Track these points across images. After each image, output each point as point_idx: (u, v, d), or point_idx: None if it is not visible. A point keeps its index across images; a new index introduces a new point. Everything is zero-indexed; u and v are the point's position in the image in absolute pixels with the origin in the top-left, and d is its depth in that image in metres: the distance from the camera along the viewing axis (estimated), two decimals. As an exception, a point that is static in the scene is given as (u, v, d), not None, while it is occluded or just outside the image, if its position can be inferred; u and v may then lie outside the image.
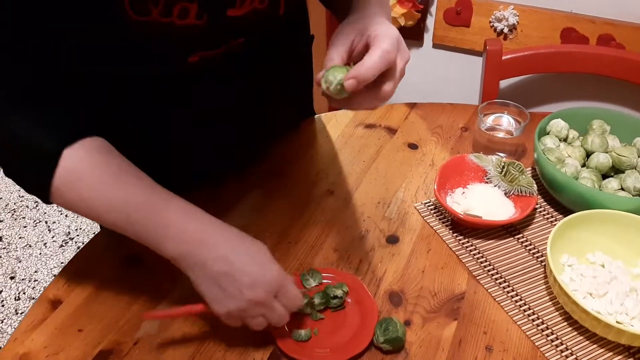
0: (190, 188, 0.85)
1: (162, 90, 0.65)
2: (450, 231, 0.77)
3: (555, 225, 0.70)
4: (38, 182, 0.55)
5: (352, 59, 0.57)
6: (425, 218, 0.79)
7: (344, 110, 1.04)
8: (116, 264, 0.72)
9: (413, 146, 0.95)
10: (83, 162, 0.55)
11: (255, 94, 0.76)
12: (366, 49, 0.54)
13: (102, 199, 0.55)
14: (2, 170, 0.57)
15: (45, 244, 1.86)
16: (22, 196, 2.07)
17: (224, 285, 0.55)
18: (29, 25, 0.53)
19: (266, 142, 0.91)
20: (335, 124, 1.00)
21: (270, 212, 0.80)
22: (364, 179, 0.87)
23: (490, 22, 1.23)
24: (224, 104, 0.72)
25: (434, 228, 0.77)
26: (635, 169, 0.80)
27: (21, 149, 0.54)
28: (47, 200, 0.56)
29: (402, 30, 1.29)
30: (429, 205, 0.81)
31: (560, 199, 0.80)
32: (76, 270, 0.71)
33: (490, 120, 0.91)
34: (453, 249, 0.74)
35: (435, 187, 0.78)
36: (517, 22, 1.20)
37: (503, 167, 0.83)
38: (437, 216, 0.79)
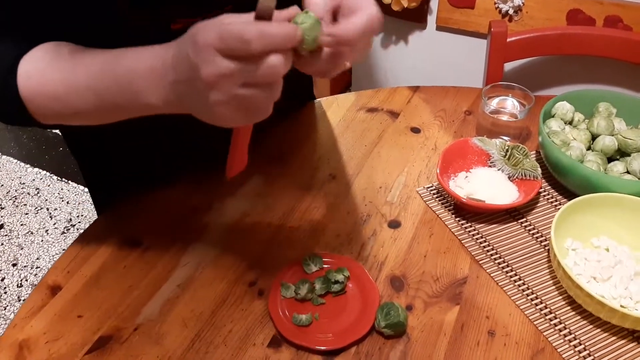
0: (188, 171, 0.84)
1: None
2: (453, 215, 0.76)
3: (559, 209, 0.69)
4: (9, 104, 0.55)
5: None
6: (427, 202, 0.78)
7: (345, 95, 1.03)
8: (115, 249, 0.72)
9: (416, 130, 0.94)
10: (38, 62, 0.55)
11: None
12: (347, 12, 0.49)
13: (66, 85, 0.53)
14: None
15: (47, 230, 1.86)
16: (24, 183, 2.07)
17: (194, 89, 0.45)
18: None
19: (266, 125, 0.89)
20: (337, 109, 0.99)
21: (271, 197, 0.79)
22: (365, 163, 0.86)
23: (495, 3, 1.20)
24: None
25: (437, 212, 0.76)
26: (642, 152, 0.79)
27: None
28: (28, 117, 0.55)
29: (405, 12, 1.27)
30: (431, 190, 0.80)
31: (565, 183, 0.79)
32: (76, 256, 0.71)
33: (494, 103, 0.89)
34: (455, 234, 0.73)
35: (438, 171, 0.77)
36: (522, 3, 1.18)
37: (507, 150, 0.81)
38: (439, 200, 0.78)
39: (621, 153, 0.81)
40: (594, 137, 0.82)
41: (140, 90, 0.49)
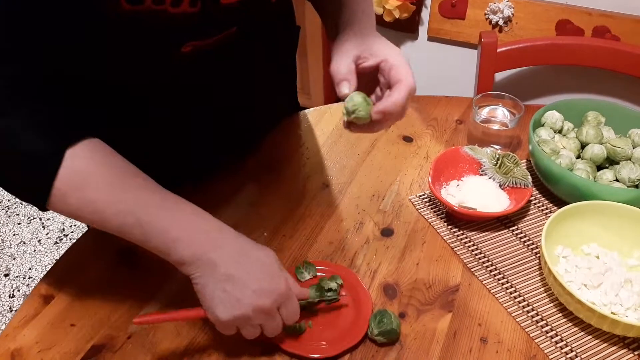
0: (183, 181, 0.85)
1: (154, 82, 0.64)
2: (445, 223, 0.77)
3: (549, 216, 0.70)
4: (37, 185, 0.52)
5: (358, 73, 0.63)
6: (419, 211, 0.79)
7: (338, 104, 1.04)
8: (108, 258, 0.72)
9: (408, 139, 0.95)
10: (88, 162, 0.53)
11: (246, 84, 0.75)
12: (377, 71, 0.63)
13: (110, 200, 0.53)
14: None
15: (39, 240, 1.85)
16: (16, 193, 2.06)
17: (231, 290, 0.54)
18: (20, 22, 0.51)
19: (256, 134, 0.90)
20: (330, 117, 0.99)
21: (264, 206, 0.80)
22: (358, 171, 0.87)
23: (485, 14, 1.22)
24: (214, 94, 0.71)
25: (429, 220, 0.77)
26: (630, 160, 0.80)
27: (14, 152, 0.51)
28: (43, 206, 0.53)
29: (397, 22, 1.28)
30: (423, 198, 0.81)
31: (555, 191, 0.80)
32: (68, 265, 0.71)
33: (485, 112, 0.90)
34: (448, 242, 0.74)
35: (430, 180, 0.78)
36: (512, 14, 1.20)
37: (497, 159, 0.82)
38: (431, 209, 0.79)
39: (610, 161, 0.82)
40: (583, 146, 0.83)
41: (178, 250, 0.54)
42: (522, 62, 1.15)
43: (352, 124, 0.62)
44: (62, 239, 1.86)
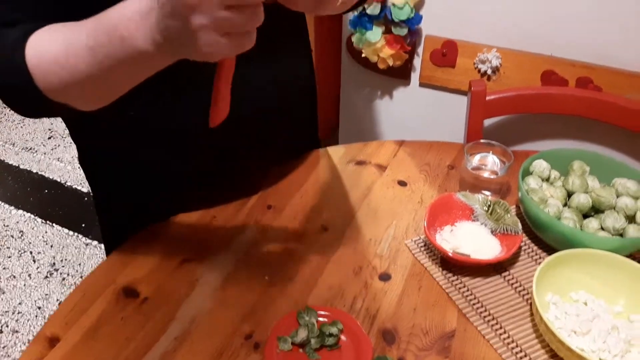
0: (187, 209, 0.88)
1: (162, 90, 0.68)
2: (440, 268, 0.80)
3: (539, 263, 0.73)
4: (17, 72, 0.57)
5: None
6: (415, 255, 0.82)
7: (335, 147, 1.08)
8: (113, 299, 0.73)
9: (402, 183, 0.98)
10: (43, 31, 0.58)
11: (258, 105, 0.79)
12: None
13: (65, 44, 0.56)
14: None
15: (29, 275, 1.84)
16: (7, 226, 2.06)
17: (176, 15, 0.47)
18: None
19: (269, 162, 0.94)
20: (328, 160, 1.03)
21: (265, 249, 0.82)
22: (356, 215, 0.90)
23: (474, 63, 1.28)
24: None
25: (425, 265, 0.80)
26: (614, 209, 0.84)
27: None
28: (37, 93, 0.58)
29: (390, 69, 1.34)
30: (419, 243, 0.84)
31: (543, 238, 0.84)
32: (74, 307, 0.72)
33: (476, 160, 0.95)
34: (443, 287, 0.77)
35: (425, 226, 0.81)
36: (499, 64, 1.26)
37: (489, 206, 0.86)
38: (427, 253, 0.82)
39: (595, 209, 0.86)
40: (569, 194, 0.88)
41: (128, 35, 0.51)
42: (510, 110, 1.20)
43: None
44: (52, 274, 1.85)
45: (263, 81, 0.79)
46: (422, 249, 0.83)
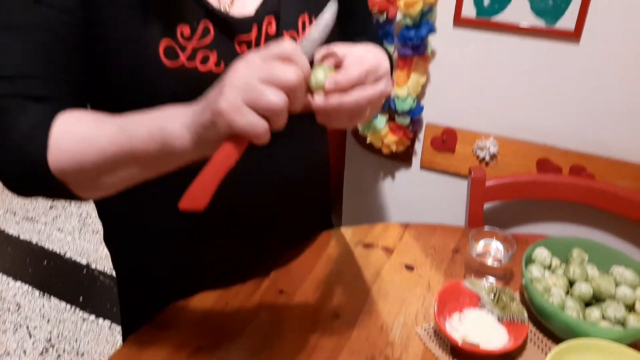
0: (201, 288, 0.90)
1: None
2: (450, 356, 0.82)
3: (545, 352, 0.75)
4: (36, 141, 0.58)
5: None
6: (426, 344, 0.84)
7: (342, 229, 1.12)
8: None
9: (409, 267, 1.01)
10: (74, 113, 0.61)
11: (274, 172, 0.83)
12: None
13: (99, 129, 0.58)
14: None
15: (24, 351, 1.81)
16: (4, 298, 2.04)
17: (217, 85, 0.53)
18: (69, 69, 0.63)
19: (281, 245, 0.97)
20: (336, 243, 1.07)
21: (277, 338, 0.84)
22: (366, 301, 0.92)
23: (473, 150, 1.36)
24: (242, 176, 0.77)
25: (435, 355, 0.82)
26: (614, 298, 0.88)
27: (17, 130, 0.58)
28: (46, 167, 0.58)
29: (393, 155, 1.41)
30: (428, 330, 0.86)
31: (548, 325, 0.86)
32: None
33: (480, 246, 0.99)
34: (454, 376, 0.78)
35: (435, 312, 0.83)
36: (497, 151, 1.33)
37: (495, 293, 0.89)
38: (437, 341, 0.84)
39: (596, 298, 0.90)
40: (571, 282, 0.91)
41: (165, 122, 0.54)
42: (509, 195, 1.26)
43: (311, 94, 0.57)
44: (47, 350, 1.82)
45: (286, 157, 0.83)
46: (433, 336, 0.85)
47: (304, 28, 0.75)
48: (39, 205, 2.62)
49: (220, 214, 0.78)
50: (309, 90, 0.56)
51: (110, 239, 0.94)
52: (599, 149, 1.27)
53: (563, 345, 0.77)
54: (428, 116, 1.37)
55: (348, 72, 0.56)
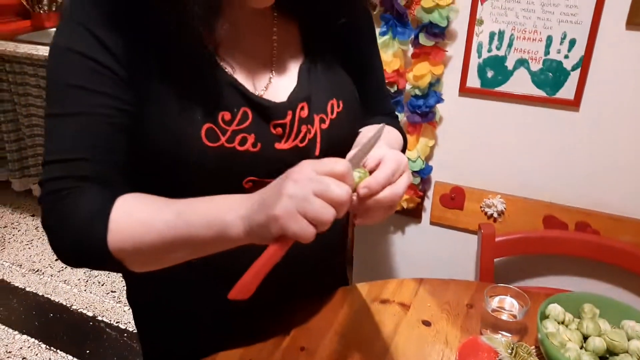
0: (221, 348, 0.92)
1: None
2: (472, 412, 0.83)
3: (567, 409, 0.78)
4: (95, 224, 0.63)
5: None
6: (448, 399, 0.86)
7: (359, 286, 1.15)
8: None
9: (427, 323, 1.04)
10: (133, 197, 0.65)
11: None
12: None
13: (157, 213, 0.63)
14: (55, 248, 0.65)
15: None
16: (10, 352, 2.02)
17: (274, 187, 0.59)
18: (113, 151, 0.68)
19: (299, 301, 1.00)
20: (353, 299, 1.09)
21: (304, 391, 0.85)
22: (386, 356, 0.95)
23: (481, 207, 1.41)
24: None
25: (458, 410, 0.84)
26: (627, 352, 0.91)
27: (78, 212, 0.63)
28: (105, 248, 0.62)
29: (404, 211, 1.46)
30: (450, 385, 0.89)
31: (565, 380, 0.89)
32: None
33: (495, 302, 1.02)
34: None
35: (457, 369, 0.86)
36: (504, 208, 1.39)
37: (513, 348, 0.92)
38: (458, 397, 0.86)
39: (609, 352, 0.93)
40: (584, 337, 0.95)
41: (222, 213, 0.61)
42: (517, 251, 1.31)
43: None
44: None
45: None
46: (454, 391, 0.87)
47: (332, 111, 0.82)
48: (45, 257, 2.63)
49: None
50: None
51: (132, 298, 0.97)
52: (601, 206, 1.33)
53: (582, 401, 0.80)
54: (437, 175, 1.44)
55: (379, 175, 0.63)
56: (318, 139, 0.80)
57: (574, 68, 1.25)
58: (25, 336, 2.10)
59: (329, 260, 1.02)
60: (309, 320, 1.01)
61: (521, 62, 1.28)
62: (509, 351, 0.92)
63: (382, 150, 0.67)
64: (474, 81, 1.31)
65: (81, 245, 0.65)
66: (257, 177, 0.75)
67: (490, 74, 1.29)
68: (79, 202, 0.65)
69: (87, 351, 2.03)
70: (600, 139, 1.29)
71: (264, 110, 0.75)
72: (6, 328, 2.15)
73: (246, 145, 0.73)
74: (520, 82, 1.28)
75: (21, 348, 2.04)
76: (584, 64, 1.23)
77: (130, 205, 0.66)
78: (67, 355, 2.01)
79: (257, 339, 0.95)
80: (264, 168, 0.75)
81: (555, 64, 1.26)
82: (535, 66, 1.27)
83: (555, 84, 1.25)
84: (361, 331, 1.01)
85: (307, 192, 0.56)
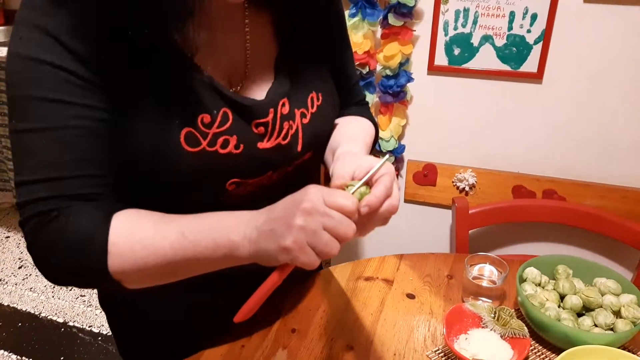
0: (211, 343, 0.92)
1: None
2: (463, 375, 0.87)
3: (551, 363, 0.82)
4: (94, 249, 0.60)
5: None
6: (439, 365, 0.89)
7: (342, 265, 1.17)
8: None
9: (411, 296, 1.07)
10: (130, 215, 0.63)
11: None
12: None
13: (159, 233, 0.61)
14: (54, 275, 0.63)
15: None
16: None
17: (284, 215, 0.60)
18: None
19: (278, 290, 1.00)
20: (338, 278, 1.11)
21: (300, 371, 0.87)
22: (376, 330, 0.97)
23: (453, 182, 1.45)
24: None
25: (449, 374, 0.87)
26: (602, 306, 0.96)
27: (73, 234, 0.61)
28: (105, 271, 0.61)
29: (379, 190, 1.49)
30: (439, 353, 0.92)
31: (545, 337, 0.94)
32: None
33: (475, 270, 1.06)
34: (470, 393, 0.83)
35: (445, 337, 0.89)
36: (475, 181, 1.43)
37: (495, 312, 0.96)
38: (448, 362, 0.90)
39: (586, 308, 0.98)
40: (561, 296, 0.99)
41: (232, 234, 0.61)
42: (490, 221, 1.35)
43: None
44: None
45: None
46: (443, 359, 0.91)
47: (312, 105, 0.81)
48: (7, 265, 2.54)
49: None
50: None
51: (104, 302, 0.94)
52: (566, 173, 1.39)
53: (565, 355, 0.84)
54: (409, 154, 1.47)
55: (379, 193, 0.64)
56: (300, 135, 0.79)
57: (536, 42, 1.30)
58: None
59: None
60: (298, 303, 1.03)
61: (486, 39, 1.32)
62: (492, 315, 0.96)
63: (370, 159, 0.69)
64: (441, 59, 1.34)
65: (79, 269, 0.62)
66: (240, 179, 0.74)
67: (457, 51, 1.33)
68: (72, 224, 0.61)
69: (62, 358, 1.98)
70: (563, 109, 1.35)
71: (245, 110, 0.73)
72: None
73: (228, 147, 0.71)
74: (486, 58, 1.32)
75: (-5, 361, 1.98)
76: (546, 37, 1.28)
77: (129, 226, 0.63)
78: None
79: (248, 325, 0.96)
80: (247, 169, 0.75)
81: (518, 39, 1.30)
82: (500, 42, 1.31)
83: (519, 58, 1.29)
84: (349, 309, 1.03)
85: (318, 227, 0.58)
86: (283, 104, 0.77)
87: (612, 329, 0.92)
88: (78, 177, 0.63)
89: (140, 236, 0.62)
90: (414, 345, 0.94)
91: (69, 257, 0.61)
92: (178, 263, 0.62)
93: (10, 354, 2.01)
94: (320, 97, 0.82)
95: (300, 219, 0.58)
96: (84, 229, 0.61)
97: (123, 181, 0.69)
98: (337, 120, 0.91)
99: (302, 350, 0.92)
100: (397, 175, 1.51)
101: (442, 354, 0.92)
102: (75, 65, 0.61)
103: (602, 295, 0.98)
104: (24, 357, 1.99)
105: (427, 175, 1.44)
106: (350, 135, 0.86)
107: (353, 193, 0.64)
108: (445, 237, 1.42)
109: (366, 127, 0.93)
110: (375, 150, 1.42)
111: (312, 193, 0.60)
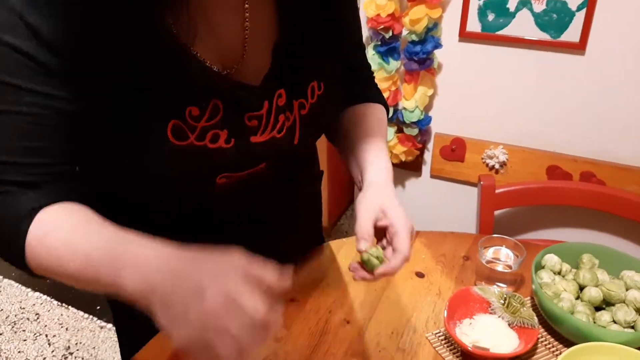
0: None
1: (189, 207, 0.73)
2: (461, 362, 0.83)
3: (556, 355, 0.76)
4: (14, 239, 0.59)
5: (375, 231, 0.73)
6: (436, 349, 0.85)
7: (352, 238, 1.13)
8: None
9: (420, 275, 1.03)
10: (54, 215, 0.60)
11: (272, 215, 0.85)
12: (386, 231, 0.73)
13: (68, 248, 0.57)
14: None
15: (44, 358, 1.85)
16: (24, 308, 2.08)
17: (174, 304, 0.49)
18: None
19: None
20: (346, 252, 1.08)
21: (290, 343, 0.86)
22: (377, 307, 0.94)
23: (482, 158, 1.37)
24: (242, 223, 0.80)
25: (446, 359, 0.83)
26: (624, 302, 0.88)
27: (8, 217, 0.59)
28: (23, 261, 0.59)
29: (403, 164, 1.43)
30: (439, 336, 0.88)
31: (559, 330, 0.87)
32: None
33: (490, 253, 1.00)
34: (465, 381, 0.79)
35: (445, 320, 0.85)
36: (506, 159, 1.35)
37: (505, 299, 0.90)
38: (447, 346, 0.86)
39: (606, 302, 0.90)
40: (581, 287, 0.92)
41: (125, 278, 0.53)
42: (519, 202, 1.27)
43: (357, 271, 0.73)
44: (67, 357, 1.85)
45: (281, 198, 0.86)
46: (443, 342, 0.86)
47: (312, 95, 0.75)
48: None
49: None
50: (365, 268, 0.72)
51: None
52: (607, 155, 1.28)
53: (573, 349, 0.78)
54: (437, 126, 1.39)
55: (397, 263, 0.70)
56: (297, 127, 0.74)
57: (579, 8, 1.17)
58: (38, 293, 2.16)
59: (308, 224, 1.01)
60: (300, 275, 1.01)
61: (523, 3, 1.21)
62: (502, 301, 0.90)
63: (394, 211, 0.72)
64: (474, 25, 1.24)
65: (5, 256, 0.62)
66: (231, 173, 0.71)
67: (491, 17, 1.22)
68: (2, 210, 0.60)
69: (98, 307, 2.08)
70: (607, 85, 1.23)
71: (237, 102, 0.68)
72: (20, 285, 2.21)
73: (218, 142, 0.67)
74: (523, 25, 1.21)
75: (34, 304, 2.10)
76: (590, 3, 1.15)
77: (46, 226, 0.59)
78: (78, 311, 2.07)
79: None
80: (238, 163, 0.71)
81: (559, 4, 1.18)
82: (539, 7, 1.19)
83: (560, 26, 1.18)
84: (352, 283, 1.00)
85: (219, 331, 0.48)
86: (279, 95, 0.72)
87: (632, 327, 0.85)
88: (23, 164, 0.61)
89: (52, 245, 0.59)
90: (415, 325, 0.90)
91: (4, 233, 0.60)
92: (83, 282, 0.58)
93: (52, 299, 2.13)
94: (322, 86, 0.76)
95: (200, 315, 0.48)
96: (11, 217, 0.60)
97: (107, 176, 0.67)
98: (353, 112, 0.88)
99: (298, 320, 0.90)
100: (424, 148, 1.44)
101: (442, 337, 0.87)
102: (40, 50, 0.57)
103: (627, 290, 0.90)
104: (63, 304, 2.10)
105: (455, 150, 1.37)
106: (372, 145, 0.84)
107: (368, 260, 0.70)
108: (472, 217, 1.35)
109: (382, 120, 0.90)
110: (399, 121, 1.36)
111: (231, 282, 0.50)
